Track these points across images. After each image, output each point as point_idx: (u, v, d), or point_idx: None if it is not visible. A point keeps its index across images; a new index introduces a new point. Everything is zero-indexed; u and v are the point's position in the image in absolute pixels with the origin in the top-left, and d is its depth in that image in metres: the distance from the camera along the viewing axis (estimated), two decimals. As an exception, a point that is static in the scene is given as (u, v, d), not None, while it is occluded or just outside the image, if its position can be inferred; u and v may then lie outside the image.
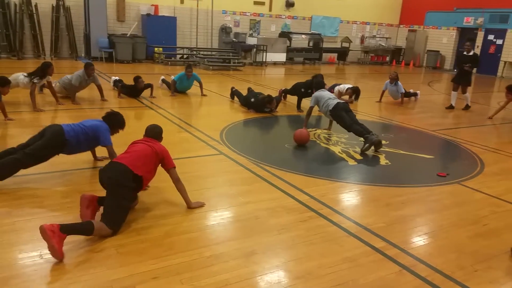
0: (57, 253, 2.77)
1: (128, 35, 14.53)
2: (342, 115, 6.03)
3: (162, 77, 10.19)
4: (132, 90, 8.57)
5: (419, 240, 3.48)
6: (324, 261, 3.02)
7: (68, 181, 4.14)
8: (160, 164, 3.68)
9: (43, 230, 2.78)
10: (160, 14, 15.65)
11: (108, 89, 8.85)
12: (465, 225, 3.79)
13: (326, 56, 20.02)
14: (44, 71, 6.98)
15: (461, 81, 9.72)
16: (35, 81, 6.91)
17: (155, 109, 7.74)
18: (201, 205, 3.79)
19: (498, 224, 3.85)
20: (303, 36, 19.09)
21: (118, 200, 3.23)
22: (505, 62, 18.23)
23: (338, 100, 6.23)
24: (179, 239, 3.17)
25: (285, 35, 18.33)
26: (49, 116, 6.74)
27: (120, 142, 4.57)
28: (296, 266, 2.95)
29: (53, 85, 7.51)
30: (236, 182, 4.47)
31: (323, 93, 6.43)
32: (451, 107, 9.86)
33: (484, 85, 15.49)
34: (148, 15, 15.19)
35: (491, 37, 18.58)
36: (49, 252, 2.79)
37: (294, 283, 2.75)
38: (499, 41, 18.46)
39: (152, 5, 15.52)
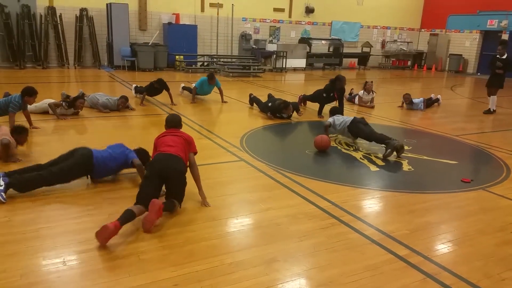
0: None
1: (150, 44, 14.77)
2: (360, 127, 6.19)
3: (182, 84, 10.32)
4: (150, 89, 8.88)
5: (443, 248, 3.39)
6: (346, 268, 2.98)
7: (92, 188, 4.22)
8: None
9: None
10: (181, 22, 15.86)
11: (131, 97, 9.01)
12: (491, 232, 3.68)
13: (346, 61, 19.89)
14: (73, 103, 7.33)
15: (493, 84, 9.53)
16: (64, 104, 7.27)
17: (175, 116, 7.82)
18: (205, 204, 3.91)
19: (527, 232, 3.72)
20: (323, 41, 19.03)
21: (183, 186, 3.75)
22: (531, 65, 17.69)
23: (354, 116, 6.42)
24: (200, 246, 3.18)
25: (305, 41, 18.31)
26: (73, 124, 6.90)
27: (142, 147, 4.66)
28: (318, 273, 2.92)
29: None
30: (256, 189, 4.46)
31: (339, 117, 6.65)
32: (489, 111, 9.71)
33: (509, 89, 15.05)
34: (170, 23, 15.43)
35: (516, 39, 18.11)
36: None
37: (316, 291, 2.72)
38: (525, 43, 17.96)
39: (173, 13, 15.76)
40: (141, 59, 14.44)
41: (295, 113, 8.12)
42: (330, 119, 6.62)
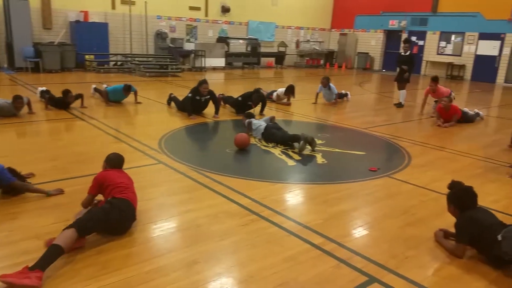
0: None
1: (55, 43, 13.78)
2: (273, 132, 6.41)
3: (94, 86, 9.76)
4: (60, 103, 8.12)
5: (354, 233, 3.63)
6: (266, 262, 3.06)
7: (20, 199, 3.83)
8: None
9: None
10: (90, 20, 15.03)
11: (35, 101, 8.32)
12: (396, 216, 4.01)
13: (264, 60, 20.32)
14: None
15: (400, 79, 10.36)
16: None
17: (86, 120, 7.39)
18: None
19: (425, 212, 4.12)
20: (241, 41, 19.25)
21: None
22: (426, 62, 19.68)
23: (267, 123, 6.65)
24: (116, 256, 3.04)
25: (223, 40, 18.38)
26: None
27: (51, 155, 4.36)
28: (239, 270, 2.96)
29: None
30: (176, 191, 4.39)
31: (254, 121, 6.80)
32: (399, 105, 10.44)
33: (409, 83, 16.53)
34: (77, 21, 14.54)
35: (413, 38, 19.90)
36: None
37: (237, 288, 2.75)
38: (421, 42, 19.88)
39: (81, 11, 14.87)
40: (46, 59, 13.44)
41: (213, 114, 8.09)
42: (247, 122, 6.73)
